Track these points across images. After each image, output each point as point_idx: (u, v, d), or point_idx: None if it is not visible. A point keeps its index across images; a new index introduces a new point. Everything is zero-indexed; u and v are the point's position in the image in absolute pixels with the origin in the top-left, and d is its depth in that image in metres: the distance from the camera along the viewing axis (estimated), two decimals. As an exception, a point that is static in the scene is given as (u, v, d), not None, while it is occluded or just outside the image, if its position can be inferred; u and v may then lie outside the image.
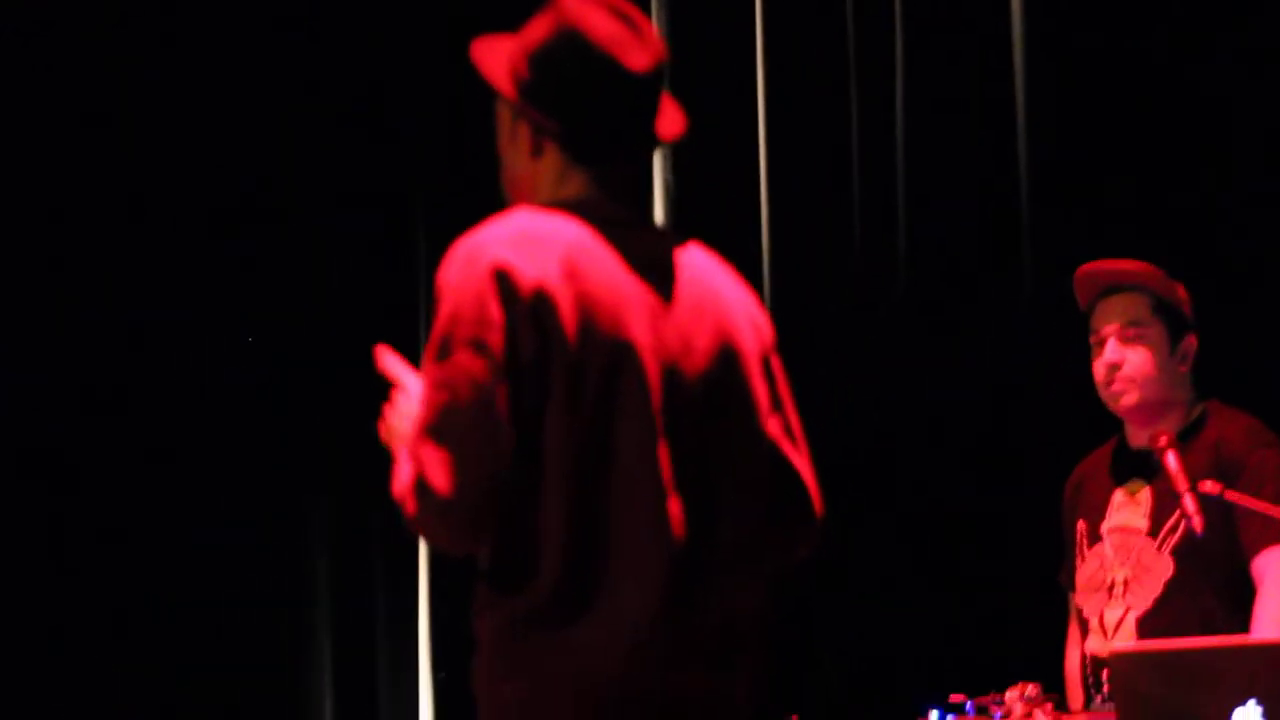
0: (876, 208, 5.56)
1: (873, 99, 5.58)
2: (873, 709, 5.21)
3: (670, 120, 3.03)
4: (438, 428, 2.76)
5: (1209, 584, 4.35)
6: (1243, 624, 4.27)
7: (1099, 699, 4.39)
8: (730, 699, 2.88)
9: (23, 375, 5.91)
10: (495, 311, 2.79)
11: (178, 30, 6.06)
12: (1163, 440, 4.20)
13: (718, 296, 2.97)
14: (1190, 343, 4.49)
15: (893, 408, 5.50)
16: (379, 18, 6.12)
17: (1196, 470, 4.18)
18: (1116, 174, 5.29)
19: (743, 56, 5.73)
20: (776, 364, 3.05)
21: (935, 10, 5.53)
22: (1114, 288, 4.51)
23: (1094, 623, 4.47)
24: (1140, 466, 4.46)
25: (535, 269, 2.81)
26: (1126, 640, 4.34)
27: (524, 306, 2.79)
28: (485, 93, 3.01)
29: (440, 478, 2.74)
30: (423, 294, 5.86)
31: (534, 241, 2.84)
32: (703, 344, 2.90)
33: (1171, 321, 4.47)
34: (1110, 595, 4.44)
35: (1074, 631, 4.58)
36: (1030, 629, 4.90)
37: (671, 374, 2.86)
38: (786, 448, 3.02)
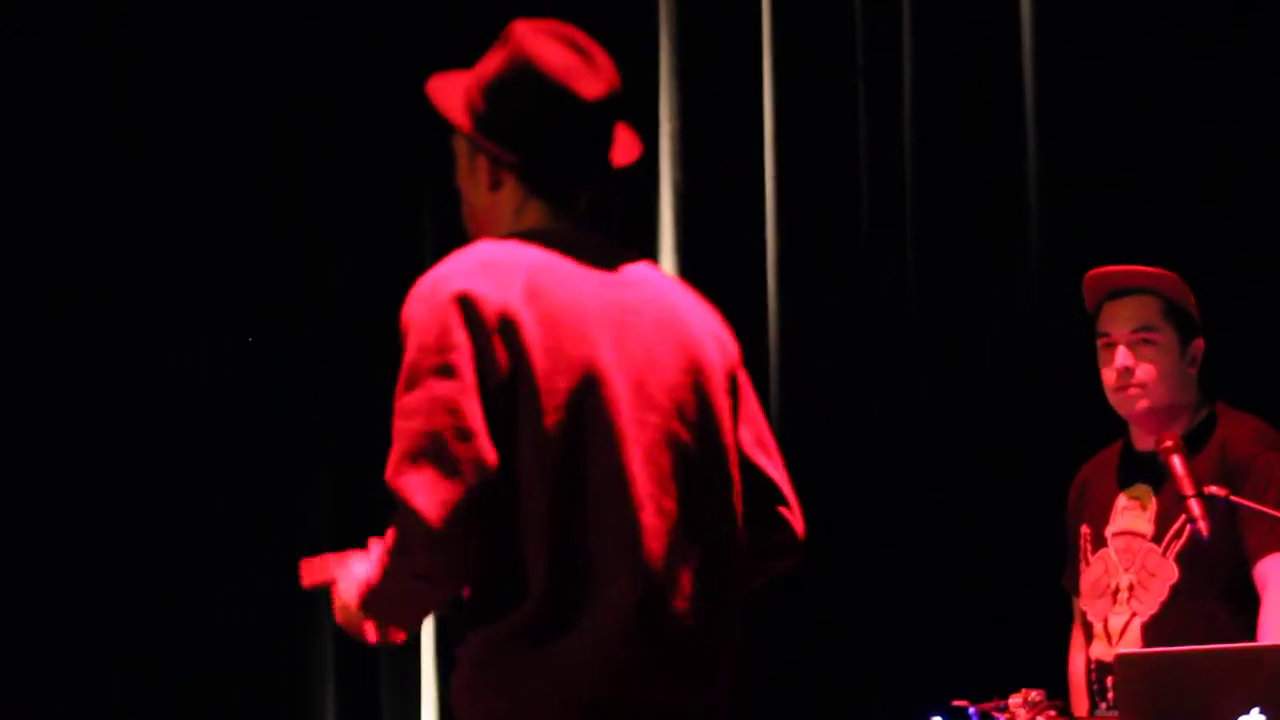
0: (883, 204, 5.55)
1: (880, 95, 5.57)
2: (876, 716, 5.20)
3: (625, 148, 3.06)
4: (413, 454, 2.76)
5: (1214, 589, 4.33)
6: (1248, 629, 4.26)
7: (1103, 705, 4.38)
8: (710, 710, 2.90)
9: (23, 375, 5.91)
10: (461, 337, 2.80)
11: (178, 30, 6.05)
12: (1168, 443, 4.18)
13: (680, 314, 2.99)
14: (1199, 345, 4.48)
15: (897, 405, 5.49)
16: (380, 17, 6.11)
17: (1202, 474, 4.16)
18: (1124, 173, 5.28)
19: (749, 51, 5.72)
20: (744, 379, 3.06)
21: (943, 7, 5.52)
22: (1123, 290, 4.48)
23: (1098, 628, 4.45)
24: (1145, 470, 4.45)
25: (498, 294, 2.82)
26: (1131, 646, 4.32)
27: (489, 331, 2.80)
28: (444, 129, 3.02)
29: (424, 502, 2.74)
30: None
31: (495, 268, 2.86)
32: (668, 360, 2.92)
33: (1181, 325, 4.46)
34: (1115, 600, 4.42)
35: (1078, 636, 4.56)
36: (1034, 634, 4.88)
37: (640, 391, 2.87)
38: (761, 459, 3.04)
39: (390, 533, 2.80)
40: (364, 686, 6.07)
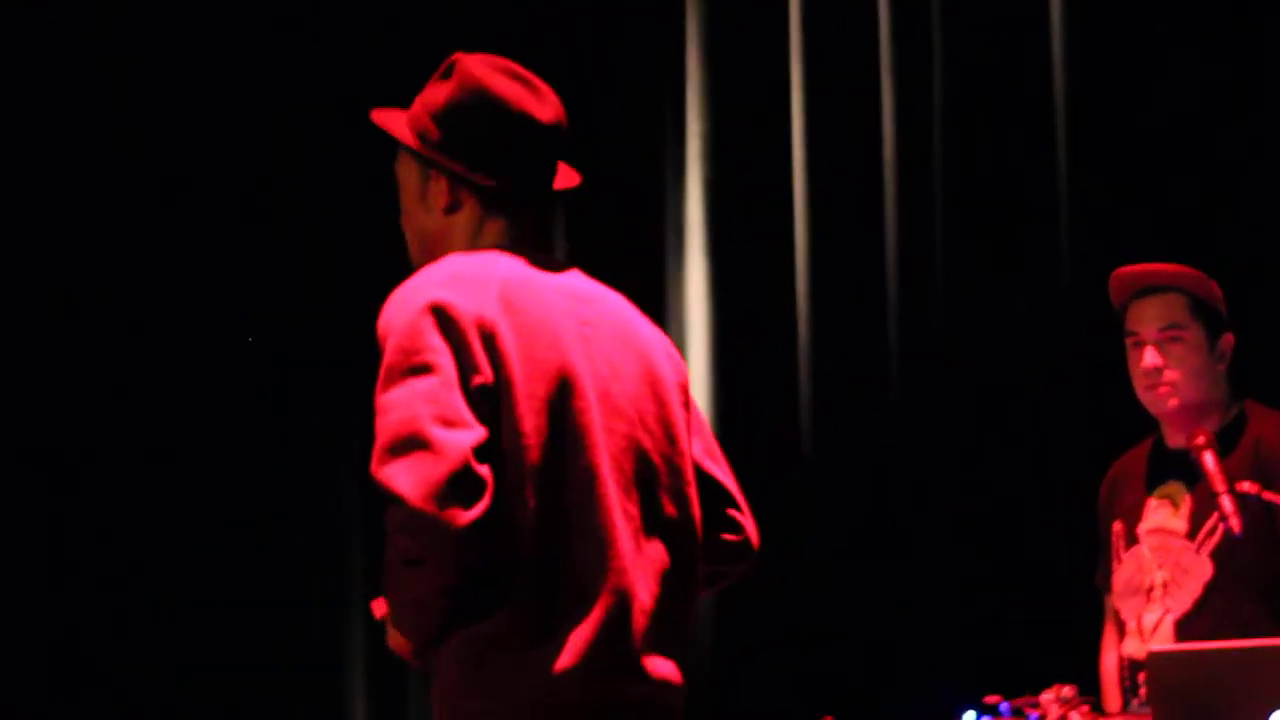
0: (912, 201, 5.57)
1: (908, 92, 5.60)
2: (907, 711, 5.21)
3: (565, 175, 3.18)
4: (393, 444, 2.81)
5: (1248, 586, 4.34)
6: (1283, 626, 4.26)
7: (1135, 702, 4.37)
8: (671, 707, 2.97)
9: (23, 375, 5.90)
10: (437, 340, 2.87)
11: (178, 30, 6.05)
12: (1200, 440, 4.18)
13: (634, 328, 3.09)
14: (1228, 341, 4.49)
15: (926, 398, 5.51)
16: (380, 17, 6.11)
17: (1235, 470, 4.16)
18: (1155, 172, 5.29)
19: (778, 50, 5.75)
20: (691, 399, 3.15)
21: (973, 2, 5.54)
22: (1150, 289, 4.49)
23: (1132, 625, 4.45)
24: (1178, 467, 4.45)
25: (473, 304, 2.90)
26: (1164, 643, 4.32)
27: (467, 338, 2.87)
28: (386, 161, 3.10)
29: (405, 483, 2.78)
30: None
31: (468, 280, 2.94)
32: (628, 372, 3.01)
33: (1209, 322, 4.47)
34: (1148, 598, 4.42)
35: (1110, 633, 4.56)
36: (1066, 630, 4.88)
37: (606, 400, 2.96)
38: (713, 467, 3.14)
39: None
40: (364, 686, 6.07)
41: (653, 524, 2.97)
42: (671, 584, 2.97)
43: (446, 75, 3.12)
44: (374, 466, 2.82)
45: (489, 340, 2.87)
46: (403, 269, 6.04)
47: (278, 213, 6.13)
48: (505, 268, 2.98)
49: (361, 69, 6.08)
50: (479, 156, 3.06)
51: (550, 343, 2.93)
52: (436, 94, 3.10)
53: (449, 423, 2.79)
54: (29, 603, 5.84)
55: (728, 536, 3.14)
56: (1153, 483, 4.52)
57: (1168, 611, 4.39)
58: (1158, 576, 4.43)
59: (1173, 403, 4.46)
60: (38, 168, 5.94)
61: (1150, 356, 4.45)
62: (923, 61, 5.60)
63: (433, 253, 3.09)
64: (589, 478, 2.90)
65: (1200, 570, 4.37)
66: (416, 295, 2.91)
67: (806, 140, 5.74)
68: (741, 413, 5.82)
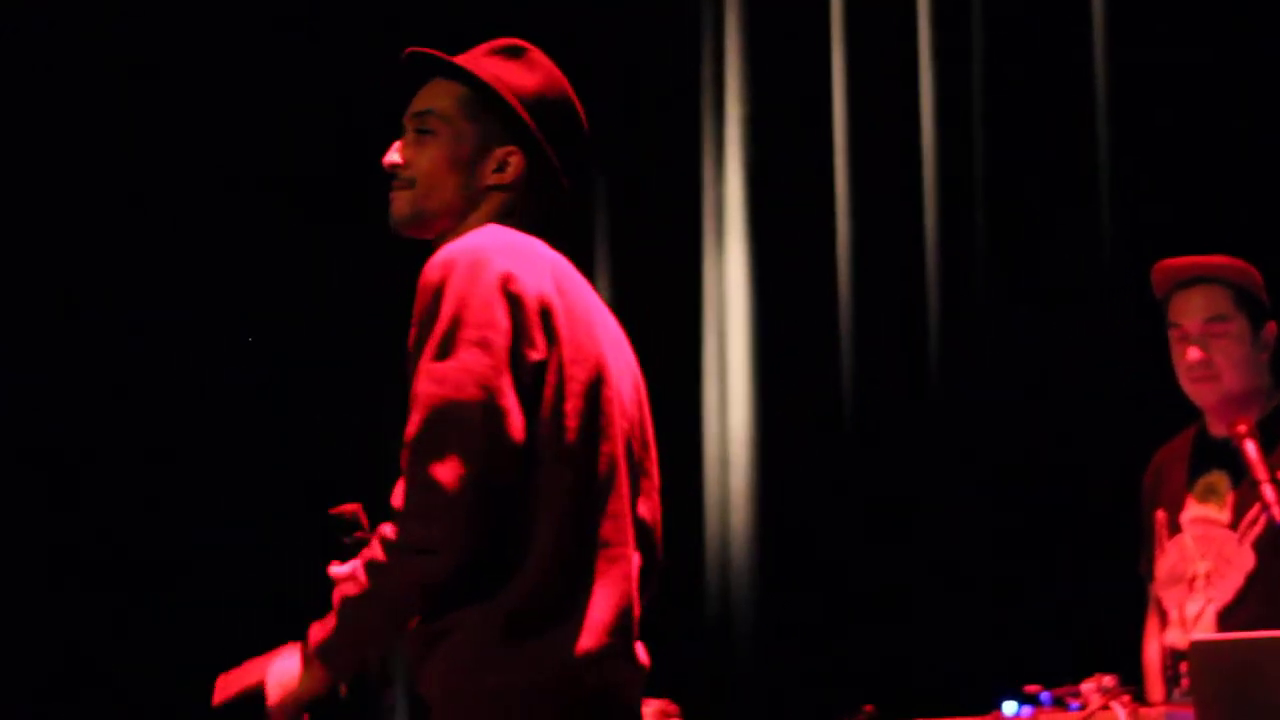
0: (953, 187, 5.59)
1: (950, 76, 5.62)
2: (948, 700, 5.21)
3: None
4: (438, 422, 2.78)
5: (1291, 576, 4.33)
6: (1326, 618, 4.24)
7: (1178, 692, 4.35)
8: (640, 688, 3.00)
9: (23, 375, 5.91)
10: (503, 316, 2.84)
11: (178, 29, 6.05)
12: (1242, 428, 4.16)
13: (617, 326, 3.11)
14: (1270, 330, 4.48)
15: (970, 386, 5.52)
16: (381, 17, 6.11)
17: (1277, 459, 4.15)
18: (1197, 163, 5.30)
19: (819, 34, 5.79)
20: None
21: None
22: (1192, 280, 4.49)
23: (1174, 615, 4.43)
24: (1221, 456, 4.44)
25: (535, 281, 2.89)
26: (1206, 632, 4.31)
27: (531, 315, 2.86)
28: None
29: (444, 471, 2.75)
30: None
31: (526, 256, 2.93)
32: (624, 368, 3.05)
33: (1253, 312, 4.46)
34: (1191, 588, 4.40)
35: (1153, 622, 4.54)
36: (1108, 620, 4.87)
37: (620, 395, 2.99)
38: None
39: (382, 528, 2.80)
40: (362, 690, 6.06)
41: (638, 520, 3.01)
42: (649, 576, 3.01)
43: (517, 56, 3.08)
44: (411, 435, 2.78)
45: (546, 318, 2.87)
46: (403, 269, 6.06)
47: (278, 212, 6.13)
48: (545, 251, 2.99)
49: (361, 69, 6.09)
50: (564, 155, 3.07)
51: (588, 331, 2.94)
52: (519, 77, 3.06)
53: (499, 413, 2.78)
54: (29, 602, 5.84)
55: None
56: (1196, 472, 4.51)
57: (1210, 601, 4.38)
58: (1200, 566, 4.42)
59: (1217, 394, 4.45)
60: (38, 168, 5.95)
61: (1194, 349, 4.45)
62: (964, 45, 5.61)
63: (436, 211, 3.04)
64: (612, 465, 2.92)
65: (1242, 560, 4.36)
66: (485, 264, 2.86)
67: (848, 125, 5.74)
68: (782, 397, 5.83)
